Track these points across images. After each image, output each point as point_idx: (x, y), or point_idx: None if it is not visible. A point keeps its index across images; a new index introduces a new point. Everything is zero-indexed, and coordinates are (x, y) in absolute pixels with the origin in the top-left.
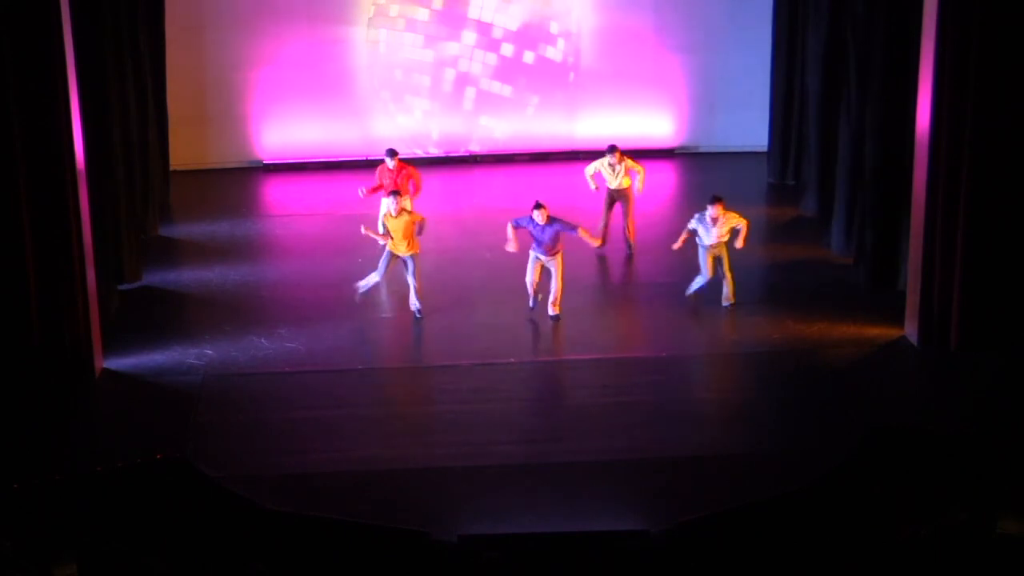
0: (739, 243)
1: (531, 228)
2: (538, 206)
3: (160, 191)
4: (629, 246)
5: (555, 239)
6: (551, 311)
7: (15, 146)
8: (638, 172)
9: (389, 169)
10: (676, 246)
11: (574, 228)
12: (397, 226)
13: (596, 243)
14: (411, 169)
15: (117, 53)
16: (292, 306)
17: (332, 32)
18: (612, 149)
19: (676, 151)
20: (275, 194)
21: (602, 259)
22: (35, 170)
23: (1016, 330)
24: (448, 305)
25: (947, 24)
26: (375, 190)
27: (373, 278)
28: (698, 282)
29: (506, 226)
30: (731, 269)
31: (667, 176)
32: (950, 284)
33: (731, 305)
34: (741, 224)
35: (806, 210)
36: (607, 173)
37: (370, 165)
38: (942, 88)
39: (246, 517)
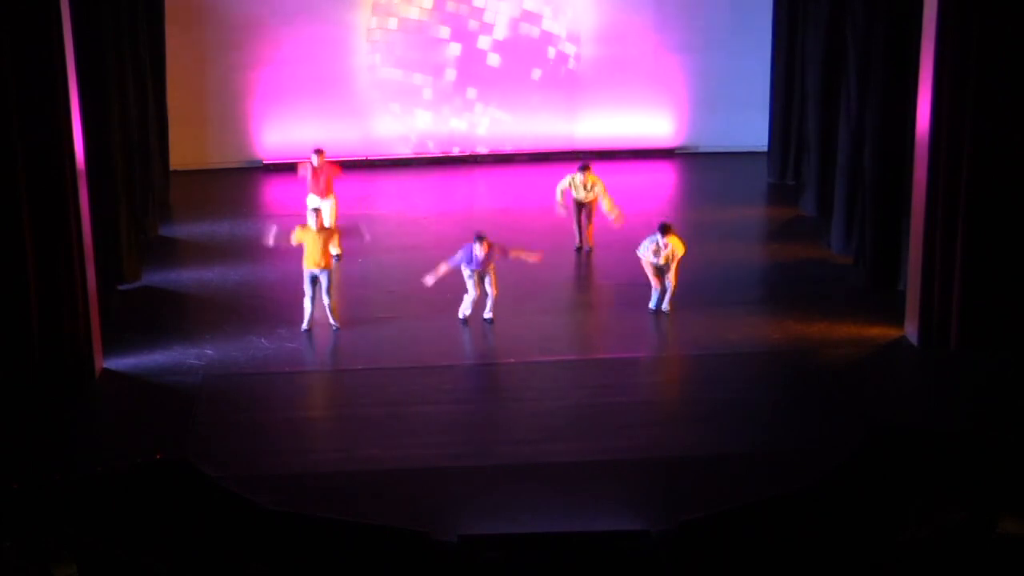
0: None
1: (469, 260)
2: (479, 238)
3: (160, 191)
4: (589, 248)
5: (489, 260)
6: (488, 315)
7: (15, 146)
8: (601, 190)
9: (314, 167)
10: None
11: (506, 253)
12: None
13: (534, 258)
14: (335, 167)
15: (117, 53)
16: (292, 306)
17: (332, 32)
18: (584, 167)
19: (676, 151)
20: (275, 194)
21: (602, 260)
22: (35, 170)
23: (1016, 330)
24: (448, 305)
25: (947, 24)
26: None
27: (306, 306)
28: (654, 297)
29: (447, 260)
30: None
31: (667, 176)
32: (950, 284)
33: (667, 312)
34: (680, 251)
35: (806, 210)
36: (576, 189)
37: (370, 165)
38: (942, 88)
39: (246, 517)
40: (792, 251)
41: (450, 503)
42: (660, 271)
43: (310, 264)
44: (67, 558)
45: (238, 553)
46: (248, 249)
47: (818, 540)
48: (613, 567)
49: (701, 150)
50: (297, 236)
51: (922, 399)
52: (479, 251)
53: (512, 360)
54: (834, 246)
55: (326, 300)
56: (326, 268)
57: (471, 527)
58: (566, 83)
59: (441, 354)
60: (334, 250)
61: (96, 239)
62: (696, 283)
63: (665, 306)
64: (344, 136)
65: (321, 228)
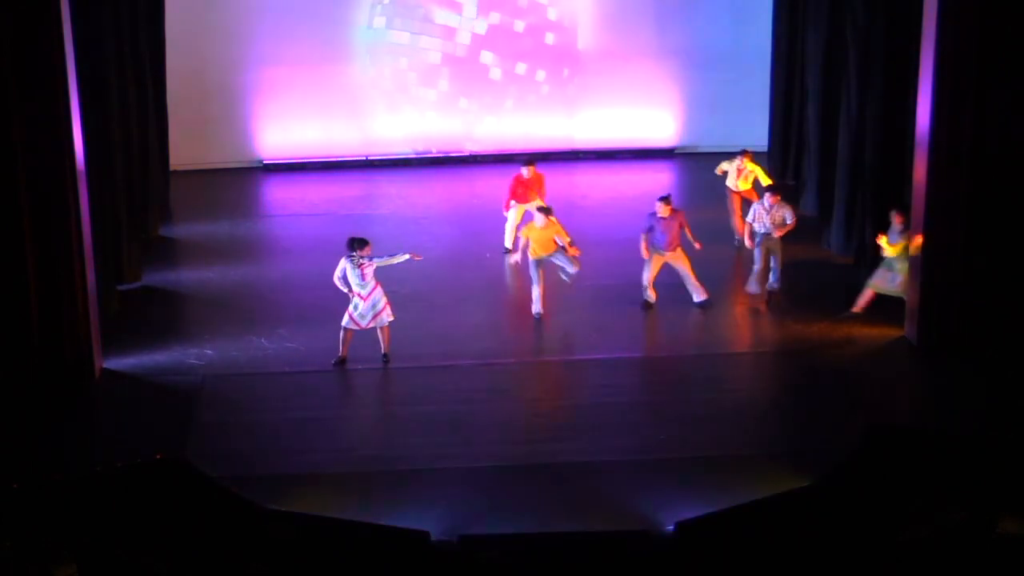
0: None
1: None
2: (663, 199)
3: (160, 191)
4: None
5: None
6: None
7: (15, 146)
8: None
9: (524, 179)
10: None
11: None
12: (542, 234)
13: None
14: (541, 175)
15: (117, 53)
16: (292, 306)
17: (332, 32)
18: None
19: (676, 151)
20: (275, 194)
21: (602, 260)
22: (35, 170)
23: (1016, 330)
24: (448, 305)
25: (947, 24)
26: (512, 199)
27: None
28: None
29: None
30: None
31: (667, 176)
32: (950, 284)
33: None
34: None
35: (806, 210)
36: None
37: (370, 165)
38: (942, 88)
39: (246, 517)
40: (792, 251)
41: (450, 503)
42: (767, 244)
43: (539, 253)
44: (67, 558)
45: (238, 553)
46: (248, 249)
47: (818, 540)
48: (613, 567)
49: (701, 150)
50: (524, 233)
51: (922, 399)
52: (662, 211)
53: (512, 360)
54: (834, 246)
55: (571, 268)
56: (550, 255)
57: (471, 527)
58: (566, 82)
59: (441, 354)
60: (561, 241)
61: (96, 239)
62: None
63: (775, 283)
64: (344, 136)
65: (547, 225)
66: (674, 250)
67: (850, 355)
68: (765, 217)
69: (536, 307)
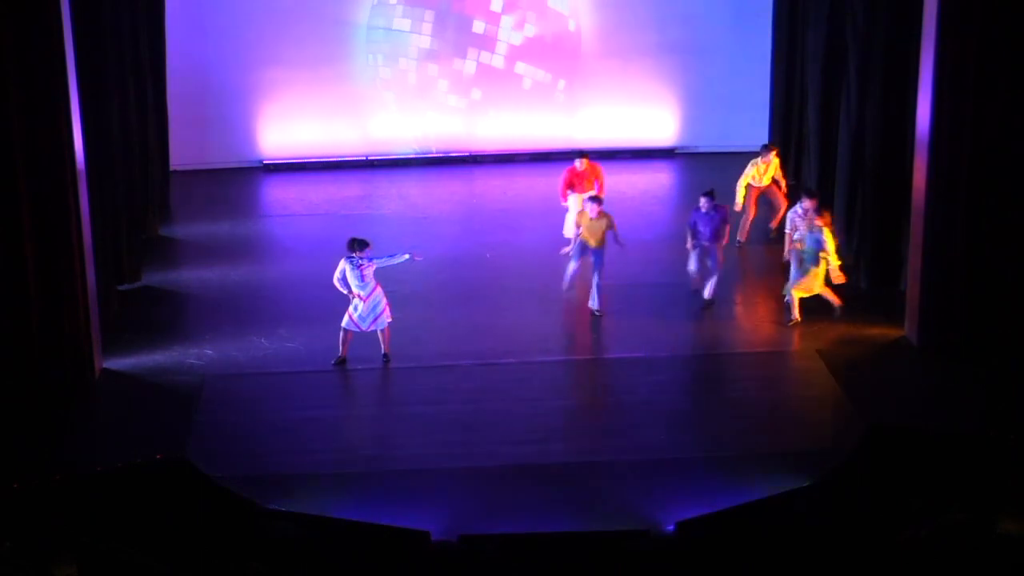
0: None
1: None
2: (706, 194)
3: (160, 191)
4: None
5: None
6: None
7: (15, 146)
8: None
9: (578, 171)
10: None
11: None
12: (594, 225)
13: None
14: (595, 166)
15: (117, 53)
16: (292, 306)
17: (332, 32)
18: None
19: (676, 151)
20: (275, 194)
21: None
22: (35, 170)
23: (1016, 330)
24: (448, 305)
25: (947, 24)
26: (567, 190)
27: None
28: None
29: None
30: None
31: (667, 176)
32: (950, 284)
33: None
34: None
35: None
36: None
37: (370, 165)
38: (942, 88)
39: (246, 517)
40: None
41: (450, 503)
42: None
43: (592, 244)
44: (67, 558)
45: (238, 553)
46: (248, 249)
47: (818, 540)
48: (613, 567)
49: (701, 150)
50: (578, 220)
51: (922, 399)
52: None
53: (512, 360)
54: None
55: (595, 279)
56: (599, 247)
57: (471, 527)
58: (566, 82)
59: (441, 354)
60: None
61: (96, 239)
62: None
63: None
64: (344, 136)
65: (599, 215)
66: (716, 242)
67: (850, 355)
68: (801, 224)
69: (567, 282)
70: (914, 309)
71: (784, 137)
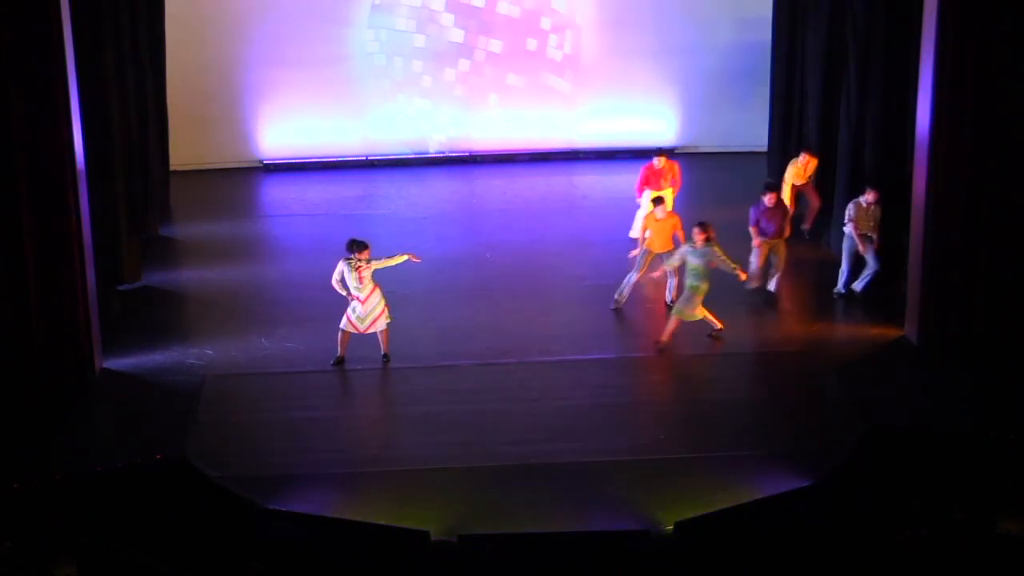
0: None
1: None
2: (768, 187)
3: (160, 191)
4: None
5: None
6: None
7: (15, 146)
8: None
9: (656, 168)
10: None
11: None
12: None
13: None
14: (674, 164)
15: (117, 53)
16: (292, 306)
17: (332, 31)
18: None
19: (676, 151)
20: (275, 194)
21: (603, 260)
22: (35, 170)
23: (1016, 330)
24: (448, 305)
25: (947, 24)
26: (644, 188)
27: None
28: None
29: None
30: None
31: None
32: (950, 284)
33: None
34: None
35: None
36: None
37: (370, 165)
38: (942, 88)
39: (246, 517)
40: (792, 251)
41: (450, 503)
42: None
43: (656, 247)
44: (67, 558)
45: (238, 553)
46: (248, 249)
47: (818, 540)
48: (613, 567)
49: (701, 150)
50: (646, 223)
51: (922, 399)
52: (767, 202)
53: (512, 360)
54: (834, 246)
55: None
56: (664, 252)
57: (471, 527)
58: (566, 82)
59: (441, 354)
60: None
61: (96, 239)
62: None
63: (861, 285)
64: (344, 136)
65: (666, 217)
66: (779, 238)
67: (850, 355)
68: (856, 215)
69: (623, 292)
70: (914, 309)
71: (784, 137)
